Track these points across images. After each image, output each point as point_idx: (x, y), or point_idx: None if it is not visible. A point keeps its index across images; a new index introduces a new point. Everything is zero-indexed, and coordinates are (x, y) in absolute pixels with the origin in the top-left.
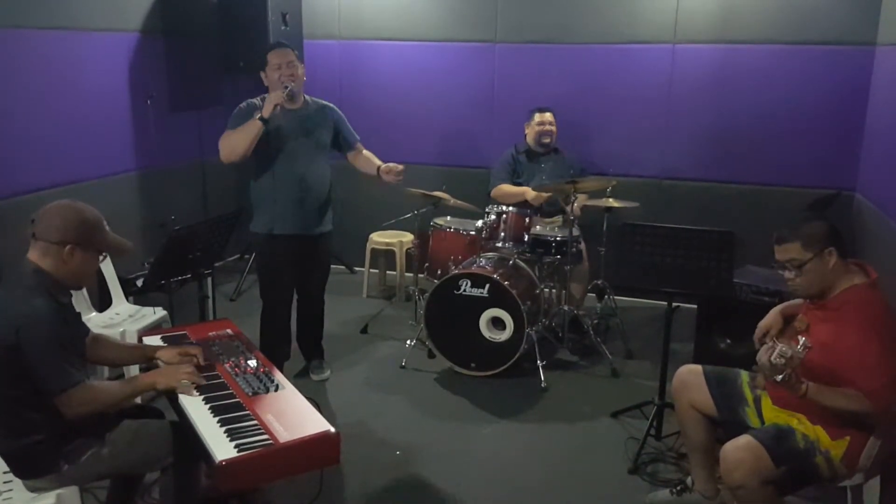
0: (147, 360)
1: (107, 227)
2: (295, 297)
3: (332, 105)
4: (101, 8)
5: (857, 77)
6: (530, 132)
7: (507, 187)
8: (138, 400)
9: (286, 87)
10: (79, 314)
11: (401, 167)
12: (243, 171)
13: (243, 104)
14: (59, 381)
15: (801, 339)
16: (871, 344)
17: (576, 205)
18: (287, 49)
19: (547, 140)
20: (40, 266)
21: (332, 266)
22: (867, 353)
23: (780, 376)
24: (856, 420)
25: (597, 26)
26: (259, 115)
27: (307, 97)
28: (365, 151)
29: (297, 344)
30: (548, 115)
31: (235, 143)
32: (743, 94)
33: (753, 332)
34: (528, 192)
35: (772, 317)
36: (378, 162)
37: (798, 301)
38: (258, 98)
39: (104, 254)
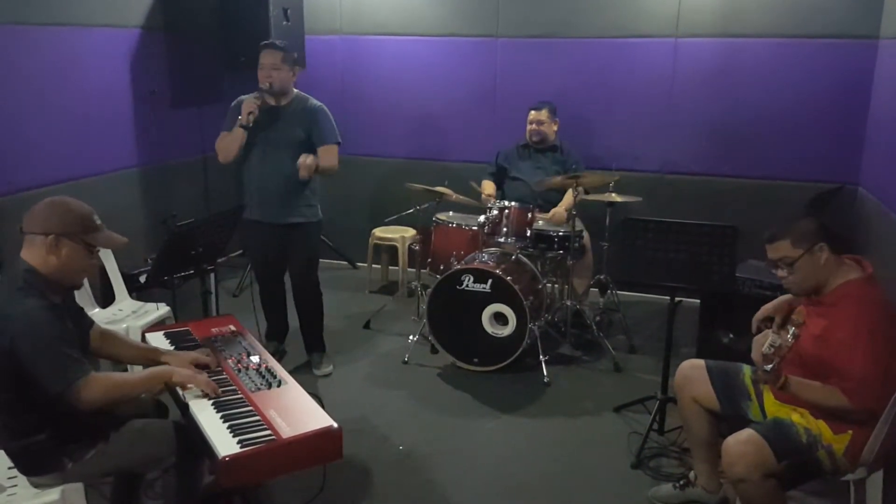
0: (154, 363)
1: (98, 222)
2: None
3: (320, 106)
4: (102, 4)
5: (860, 70)
6: (527, 129)
7: (484, 184)
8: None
9: (259, 94)
10: (81, 309)
11: (310, 159)
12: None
13: (235, 101)
14: (61, 378)
15: (791, 329)
16: (860, 340)
17: (568, 200)
18: (275, 51)
19: (537, 139)
20: (31, 265)
21: (335, 261)
22: (855, 350)
23: (770, 366)
24: (836, 416)
25: (599, 20)
26: (240, 122)
27: (304, 96)
28: (320, 151)
29: (300, 338)
30: (540, 114)
31: (227, 147)
32: (746, 88)
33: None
34: (485, 190)
35: (777, 303)
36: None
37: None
38: (251, 95)
39: (95, 250)
